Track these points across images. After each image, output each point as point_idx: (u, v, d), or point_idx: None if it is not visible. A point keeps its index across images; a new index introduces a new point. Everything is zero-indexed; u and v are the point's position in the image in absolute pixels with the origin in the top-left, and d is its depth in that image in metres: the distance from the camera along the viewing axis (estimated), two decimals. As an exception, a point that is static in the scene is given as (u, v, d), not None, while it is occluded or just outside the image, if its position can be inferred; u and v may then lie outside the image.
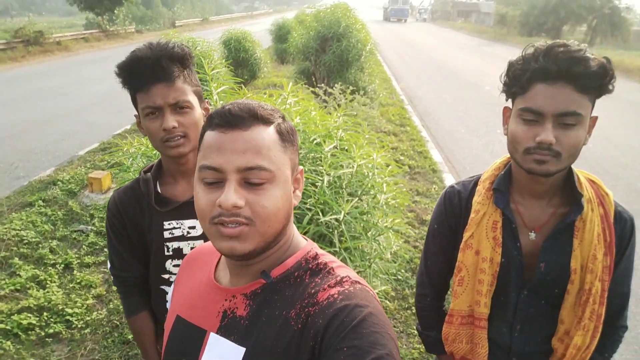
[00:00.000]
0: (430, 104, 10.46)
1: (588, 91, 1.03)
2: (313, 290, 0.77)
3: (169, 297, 1.03)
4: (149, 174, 1.38)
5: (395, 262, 3.32)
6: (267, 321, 0.77)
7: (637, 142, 7.73)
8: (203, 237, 1.37)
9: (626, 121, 9.16)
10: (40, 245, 4.04)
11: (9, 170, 5.87)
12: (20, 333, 2.98)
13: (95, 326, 3.13)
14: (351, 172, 2.11)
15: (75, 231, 4.34)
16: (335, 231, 1.94)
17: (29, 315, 3.12)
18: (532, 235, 1.20)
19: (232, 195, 0.72)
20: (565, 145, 1.05)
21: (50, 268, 3.72)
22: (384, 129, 7.70)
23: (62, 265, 3.77)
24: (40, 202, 4.84)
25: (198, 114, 1.31)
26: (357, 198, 2.06)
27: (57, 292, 3.40)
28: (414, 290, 3.47)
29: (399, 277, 3.66)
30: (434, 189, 5.55)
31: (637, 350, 3.11)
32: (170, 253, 1.37)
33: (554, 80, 1.02)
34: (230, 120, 0.75)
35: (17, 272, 3.63)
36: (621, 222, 1.18)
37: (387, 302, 3.35)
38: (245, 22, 35.01)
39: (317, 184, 2.01)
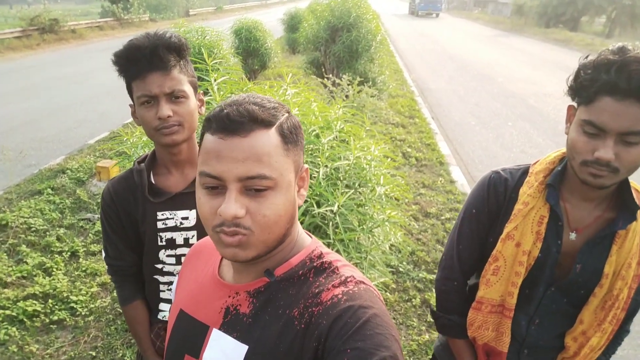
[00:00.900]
0: (441, 96, 10.36)
1: None
2: (317, 290, 0.76)
3: (173, 287, 1.03)
4: (143, 164, 1.39)
5: (394, 255, 3.31)
6: (270, 320, 0.77)
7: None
8: (196, 227, 1.38)
9: None
10: (47, 233, 4.11)
11: (19, 158, 5.96)
12: (25, 319, 3.04)
13: (99, 313, 3.18)
14: (348, 164, 2.09)
15: (82, 219, 4.40)
16: (330, 223, 1.93)
17: (35, 302, 3.18)
18: (573, 235, 1.19)
19: (232, 206, 0.70)
20: (624, 162, 1.02)
21: (56, 256, 3.78)
22: (392, 120, 7.64)
23: (69, 253, 3.84)
24: (49, 190, 4.91)
25: (193, 103, 1.31)
26: (352, 190, 2.05)
27: (63, 279, 3.46)
28: (415, 282, 3.49)
29: (401, 270, 3.65)
30: (440, 181, 5.51)
31: (641, 348, 3.07)
32: (164, 243, 1.38)
33: (622, 97, 0.98)
34: (228, 126, 0.72)
35: (24, 260, 3.69)
36: None
37: (388, 294, 3.35)
38: (259, 11, 34.93)
39: (313, 175, 2.00)
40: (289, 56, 13.79)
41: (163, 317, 1.45)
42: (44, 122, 7.74)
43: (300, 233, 0.86)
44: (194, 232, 1.38)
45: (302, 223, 1.85)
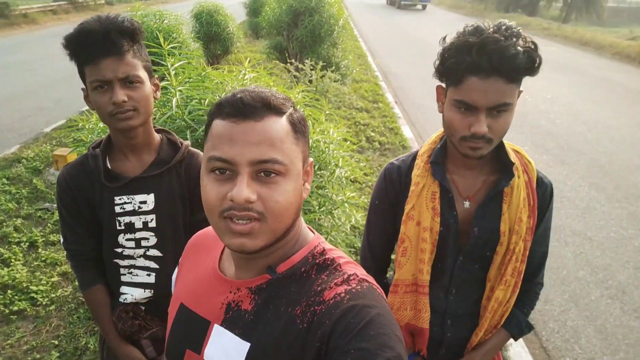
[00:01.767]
0: (404, 80, 10.49)
1: (517, 80, 1.10)
2: (319, 288, 0.75)
3: (173, 278, 1.03)
4: (98, 149, 1.39)
5: (356, 237, 3.39)
6: (272, 317, 0.76)
7: (604, 118, 7.94)
8: (154, 211, 1.39)
9: (594, 97, 9.38)
10: (4, 224, 3.99)
11: (-29, 148, 5.73)
12: (-17, 311, 2.98)
13: (61, 303, 3.14)
14: (306, 147, 2.14)
15: (40, 209, 4.30)
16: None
17: (-7, 293, 3.11)
18: (467, 203, 1.28)
19: (244, 190, 0.69)
20: (495, 131, 1.12)
21: (14, 246, 3.70)
22: (355, 105, 7.71)
23: (27, 244, 3.75)
24: (4, 180, 4.76)
25: (148, 88, 1.31)
26: (311, 173, 2.10)
27: (22, 270, 3.39)
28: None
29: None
30: (403, 164, 5.62)
31: (588, 316, 3.28)
32: (122, 227, 1.40)
33: (486, 75, 1.07)
34: (242, 110, 0.72)
35: (-20, 251, 3.59)
36: (542, 187, 1.28)
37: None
38: (221, -5, 34.12)
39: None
40: (252, 41, 13.61)
41: (124, 300, 1.46)
42: (-4, 110, 7.43)
43: (303, 228, 0.85)
44: (153, 216, 1.40)
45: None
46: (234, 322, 0.79)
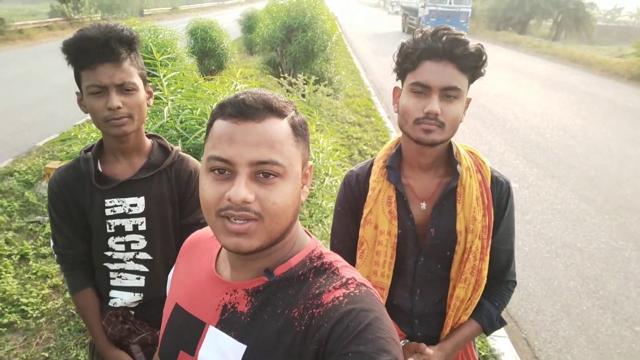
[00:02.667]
0: (397, 96, 10.57)
1: (466, 71, 1.19)
2: (317, 291, 0.76)
3: (169, 278, 1.03)
4: (89, 153, 1.41)
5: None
6: (269, 320, 0.76)
7: (593, 133, 8.05)
8: (145, 214, 1.41)
9: (583, 113, 9.51)
10: (-5, 236, 3.97)
11: (-37, 162, 5.71)
12: (-28, 323, 2.95)
13: (51, 315, 3.11)
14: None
15: (31, 222, 4.28)
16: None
17: (-18, 305, 3.08)
18: (424, 205, 1.32)
19: (242, 190, 0.69)
20: (448, 116, 1.18)
21: (5, 259, 3.67)
22: (348, 119, 7.78)
23: (18, 256, 3.72)
24: (-5, 193, 4.74)
25: (142, 96, 1.34)
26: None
27: (12, 282, 3.36)
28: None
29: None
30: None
31: (580, 326, 3.30)
32: (112, 230, 1.41)
33: (439, 58, 1.17)
34: (244, 110, 0.72)
35: (-30, 263, 3.56)
36: (498, 186, 1.32)
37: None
38: (216, 12, 34.50)
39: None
40: (246, 57, 13.74)
41: (114, 304, 1.47)
42: (-11, 125, 7.42)
43: (301, 232, 0.85)
44: (143, 219, 1.41)
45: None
46: (230, 323, 0.79)
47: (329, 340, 0.69)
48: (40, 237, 4.04)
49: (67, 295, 3.28)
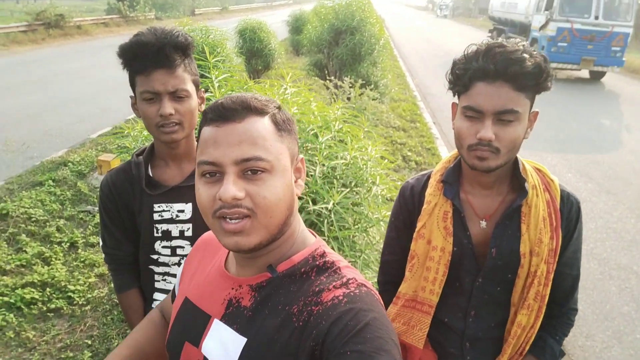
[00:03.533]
0: (443, 101, 10.37)
1: (525, 89, 1.09)
2: (318, 289, 0.77)
3: (178, 274, 1.05)
4: (141, 157, 1.42)
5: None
6: (270, 315, 0.78)
7: (652, 148, 7.60)
8: (191, 220, 1.41)
9: (643, 126, 9.00)
10: (47, 224, 4.15)
11: (21, 150, 6.01)
12: (23, 307, 3.08)
13: (96, 303, 3.22)
14: (344, 163, 2.13)
15: (82, 211, 4.45)
16: (325, 220, 1.97)
17: (33, 290, 3.22)
18: (483, 223, 1.25)
19: (231, 187, 0.72)
20: (503, 141, 1.11)
21: (55, 246, 3.83)
22: (393, 124, 7.68)
23: (68, 244, 3.88)
24: (50, 181, 4.95)
25: (194, 102, 1.35)
26: (348, 189, 2.09)
27: (61, 269, 3.50)
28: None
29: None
30: (440, 186, 5.53)
31: (632, 355, 3.10)
32: (159, 235, 1.42)
33: (492, 80, 1.08)
34: (223, 113, 0.75)
35: (24, 249, 3.73)
36: (567, 205, 1.24)
37: (382, 295, 3.38)
38: (264, 12, 35.02)
39: (310, 173, 2.04)
40: (292, 58, 13.85)
41: (157, 306, 1.48)
42: (47, 116, 7.79)
43: (303, 230, 0.87)
44: (190, 225, 1.41)
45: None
46: (233, 317, 0.81)
47: (327, 338, 0.70)
48: (90, 226, 4.19)
49: (112, 284, 3.38)
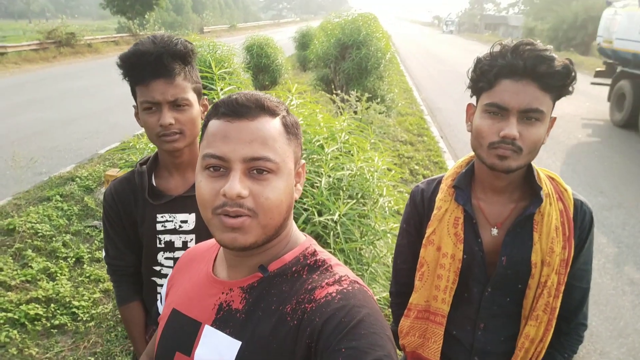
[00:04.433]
0: (450, 115, 10.37)
1: (551, 90, 1.06)
2: (310, 287, 0.76)
3: (163, 291, 1.03)
4: (145, 166, 1.40)
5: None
6: (263, 316, 0.77)
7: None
8: (195, 231, 1.38)
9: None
10: (54, 239, 4.14)
11: (30, 166, 6.05)
12: (26, 323, 3.05)
13: (100, 319, 3.18)
14: (350, 174, 2.10)
15: (88, 226, 4.44)
16: (331, 232, 1.93)
17: (37, 305, 3.19)
18: (495, 231, 1.21)
19: (237, 185, 0.71)
20: (527, 140, 1.07)
21: (61, 261, 3.81)
22: (400, 138, 7.66)
23: (74, 259, 3.86)
24: (57, 197, 4.97)
25: (196, 111, 1.32)
26: (354, 200, 2.05)
27: (66, 284, 3.47)
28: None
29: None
30: (448, 199, 5.48)
31: (648, 373, 3.00)
32: (162, 245, 1.39)
33: (520, 77, 1.05)
34: (237, 109, 0.75)
35: (29, 264, 3.72)
36: (581, 215, 1.19)
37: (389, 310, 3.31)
38: (272, 29, 35.46)
39: (316, 185, 2.01)
40: (299, 73, 13.96)
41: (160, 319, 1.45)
42: (56, 132, 7.87)
43: (295, 230, 0.86)
44: (193, 236, 1.38)
45: (302, 231, 1.85)
46: (225, 321, 0.80)
47: (321, 335, 0.70)
48: (96, 241, 4.17)
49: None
